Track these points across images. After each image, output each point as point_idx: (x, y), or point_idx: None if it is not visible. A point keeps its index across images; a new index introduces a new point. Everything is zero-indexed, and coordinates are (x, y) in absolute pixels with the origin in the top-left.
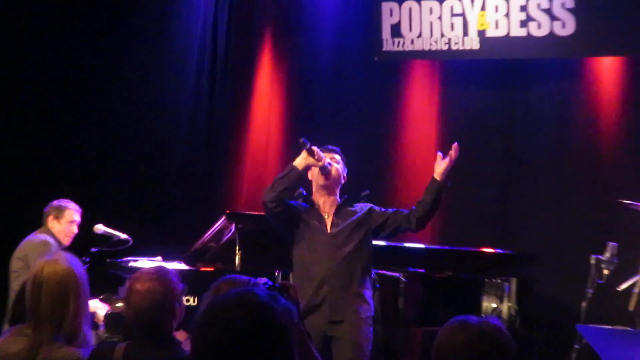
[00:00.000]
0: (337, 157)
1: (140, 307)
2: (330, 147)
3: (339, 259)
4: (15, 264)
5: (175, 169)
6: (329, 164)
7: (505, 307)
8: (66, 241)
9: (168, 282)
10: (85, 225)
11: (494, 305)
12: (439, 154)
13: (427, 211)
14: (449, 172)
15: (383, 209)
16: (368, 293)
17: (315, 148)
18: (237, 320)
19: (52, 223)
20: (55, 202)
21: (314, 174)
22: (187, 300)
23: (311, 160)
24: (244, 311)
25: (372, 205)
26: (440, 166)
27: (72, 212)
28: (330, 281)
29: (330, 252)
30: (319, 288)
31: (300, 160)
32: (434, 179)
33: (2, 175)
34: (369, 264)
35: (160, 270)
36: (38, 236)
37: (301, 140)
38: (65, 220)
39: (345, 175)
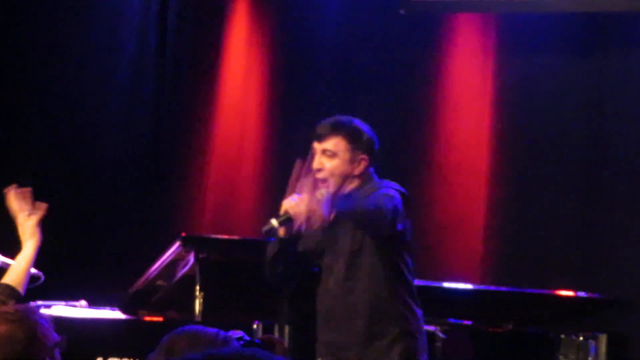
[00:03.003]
0: (328, 143)
1: None
2: (319, 124)
3: None
4: None
5: (106, 173)
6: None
7: None
8: None
9: (33, 326)
10: None
11: None
12: None
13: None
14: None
15: None
16: None
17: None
18: None
19: None
20: None
21: None
22: None
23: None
24: None
25: None
26: None
27: None
28: None
29: None
30: None
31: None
32: None
33: None
34: None
35: (23, 310)
36: None
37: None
38: None
39: (360, 164)
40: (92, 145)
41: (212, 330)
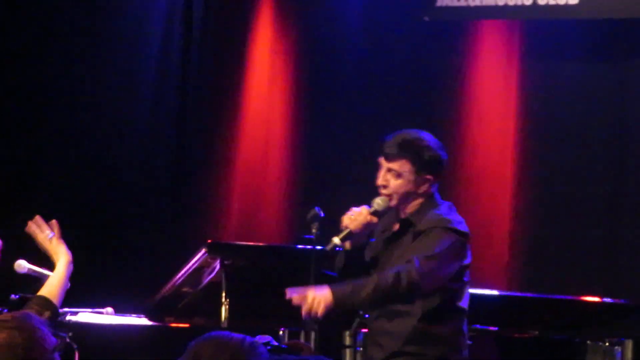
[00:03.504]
0: (394, 164)
1: None
2: (385, 139)
3: None
4: None
5: (133, 181)
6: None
7: None
8: None
9: (32, 332)
10: (4, 263)
11: None
12: None
13: None
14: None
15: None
16: None
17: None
18: None
19: None
20: None
21: None
22: None
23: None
24: None
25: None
26: None
27: None
28: None
29: None
30: None
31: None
32: None
33: None
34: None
35: (21, 317)
36: None
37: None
38: None
39: (423, 183)
40: (118, 154)
41: (238, 336)
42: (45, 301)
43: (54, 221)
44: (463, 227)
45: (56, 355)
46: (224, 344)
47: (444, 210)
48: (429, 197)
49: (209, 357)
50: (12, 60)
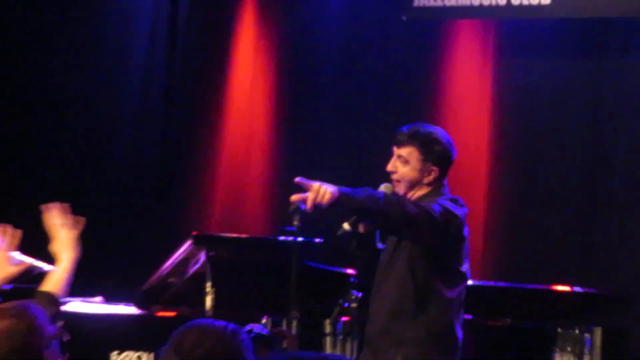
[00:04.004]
0: (403, 150)
1: None
2: (400, 131)
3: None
4: None
5: (121, 175)
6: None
7: None
8: None
9: (30, 320)
10: None
11: None
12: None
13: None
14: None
15: None
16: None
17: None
18: None
19: None
20: None
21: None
22: (139, 358)
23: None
24: None
25: None
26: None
27: None
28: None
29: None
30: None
31: None
32: None
33: None
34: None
35: (20, 306)
36: None
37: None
38: None
39: (429, 173)
40: (107, 149)
41: (221, 323)
42: (50, 296)
43: (82, 218)
44: (458, 211)
45: (54, 343)
46: (207, 331)
47: (445, 200)
48: (435, 189)
49: (192, 343)
50: (1, 58)
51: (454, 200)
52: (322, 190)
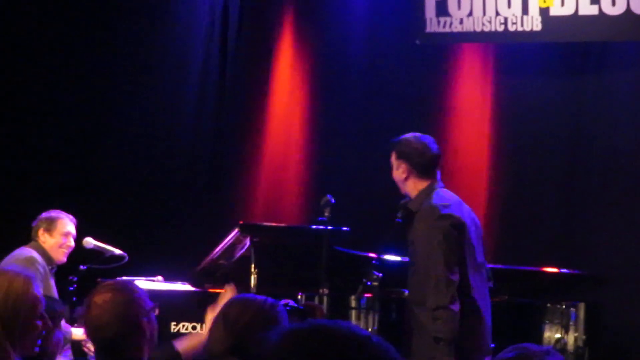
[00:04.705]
0: (392, 157)
1: (100, 322)
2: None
3: None
4: None
5: (179, 173)
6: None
7: (571, 338)
8: (61, 257)
9: (132, 292)
10: (74, 240)
11: (557, 335)
12: None
13: None
14: None
15: None
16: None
17: None
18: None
19: (43, 237)
20: (44, 214)
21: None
22: (194, 327)
23: None
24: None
25: None
26: None
27: (65, 223)
28: None
29: None
30: None
31: None
32: None
33: None
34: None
35: (122, 281)
36: (24, 251)
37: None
38: (59, 232)
39: (402, 169)
40: (169, 151)
41: (260, 297)
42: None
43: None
44: (446, 210)
45: (152, 314)
46: (249, 304)
47: (435, 197)
48: (425, 190)
49: (237, 315)
50: (76, 69)
51: (434, 211)
52: None
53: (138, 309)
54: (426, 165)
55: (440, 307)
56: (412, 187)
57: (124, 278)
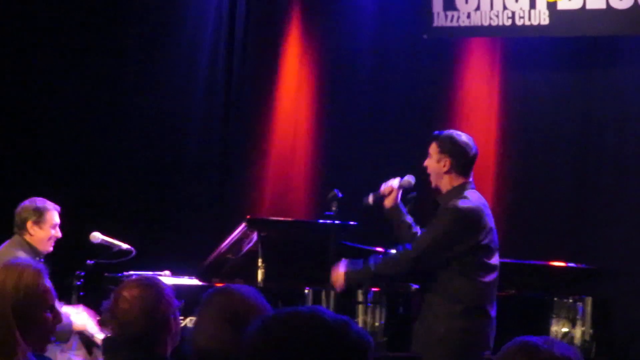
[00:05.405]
0: (430, 147)
1: (128, 317)
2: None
3: None
4: None
5: (186, 167)
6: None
7: (578, 332)
8: (49, 248)
9: (161, 289)
10: (80, 234)
11: (565, 329)
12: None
13: None
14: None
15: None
16: None
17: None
18: (302, 347)
19: (32, 230)
20: (28, 204)
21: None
22: None
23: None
24: (310, 336)
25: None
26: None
27: (53, 214)
28: None
29: None
30: None
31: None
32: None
33: None
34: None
35: (150, 277)
36: (7, 253)
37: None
38: (48, 224)
39: (444, 164)
40: (178, 145)
41: (248, 287)
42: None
43: None
44: (467, 203)
45: (178, 313)
46: (248, 297)
47: (462, 200)
48: (457, 189)
49: (245, 311)
50: (92, 65)
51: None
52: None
53: (166, 306)
54: (467, 164)
55: (413, 260)
56: (448, 182)
57: (127, 273)
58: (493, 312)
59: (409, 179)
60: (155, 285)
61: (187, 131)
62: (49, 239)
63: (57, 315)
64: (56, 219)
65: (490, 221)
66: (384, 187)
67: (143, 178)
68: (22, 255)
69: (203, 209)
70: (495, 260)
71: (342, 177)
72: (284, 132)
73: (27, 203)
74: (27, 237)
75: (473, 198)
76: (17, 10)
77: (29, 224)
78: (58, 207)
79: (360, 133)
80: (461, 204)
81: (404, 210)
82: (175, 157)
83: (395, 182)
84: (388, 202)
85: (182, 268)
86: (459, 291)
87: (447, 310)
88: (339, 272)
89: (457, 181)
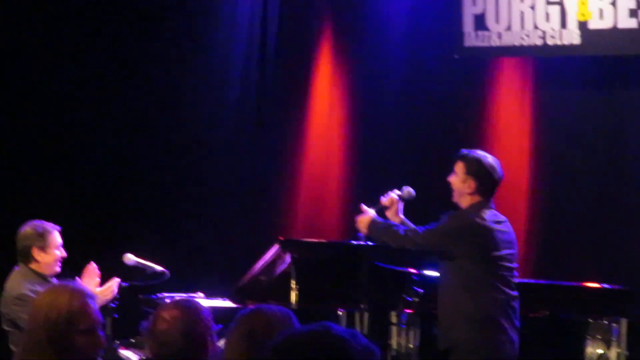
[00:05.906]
0: (456, 165)
1: (167, 338)
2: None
3: None
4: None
5: (217, 188)
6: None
7: (613, 354)
8: (57, 269)
9: (199, 311)
10: (113, 256)
11: (599, 351)
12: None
13: None
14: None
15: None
16: None
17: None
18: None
19: (39, 256)
20: (28, 228)
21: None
22: None
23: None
24: (319, 349)
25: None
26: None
27: (55, 235)
28: None
29: None
30: None
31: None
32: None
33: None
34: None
35: (189, 299)
36: (21, 285)
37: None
38: (53, 247)
39: (469, 185)
40: (211, 168)
41: (276, 307)
42: None
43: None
44: (479, 218)
45: (215, 337)
46: (272, 316)
47: (477, 215)
48: (475, 205)
49: (263, 329)
50: (123, 69)
51: (466, 220)
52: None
53: (204, 328)
54: (491, 188)
55: (417, 245)
56: (469, 201)
57: (160, 295)
58: (510, 327)
59: (409, 190)
60: (193, 307)
61: (219, 152)
62: (56, 260)
63: (98, 339)
64: (58, 239)
65: (505, 238)
66: (385, 199)
67: (175, 200)
68: (26, 293)
69: (236, 231)
70: (510, 276)
71: (374, 197)
72: (315, 152)
73: (27, 229)
74: (33, 265)
75: (488, 218)
76: (50, 19)
77: (35, 251)
78: (58, 227)
79: (392, 153)
80: (473, 217)
81: (408, 222)
82: (207, 178)
83: (395, 194)
84: (390, 214)
85: (216, 290)
86: (470, 301)
87: (458, 318)
88: (366, 216)
89: (477, 199)
